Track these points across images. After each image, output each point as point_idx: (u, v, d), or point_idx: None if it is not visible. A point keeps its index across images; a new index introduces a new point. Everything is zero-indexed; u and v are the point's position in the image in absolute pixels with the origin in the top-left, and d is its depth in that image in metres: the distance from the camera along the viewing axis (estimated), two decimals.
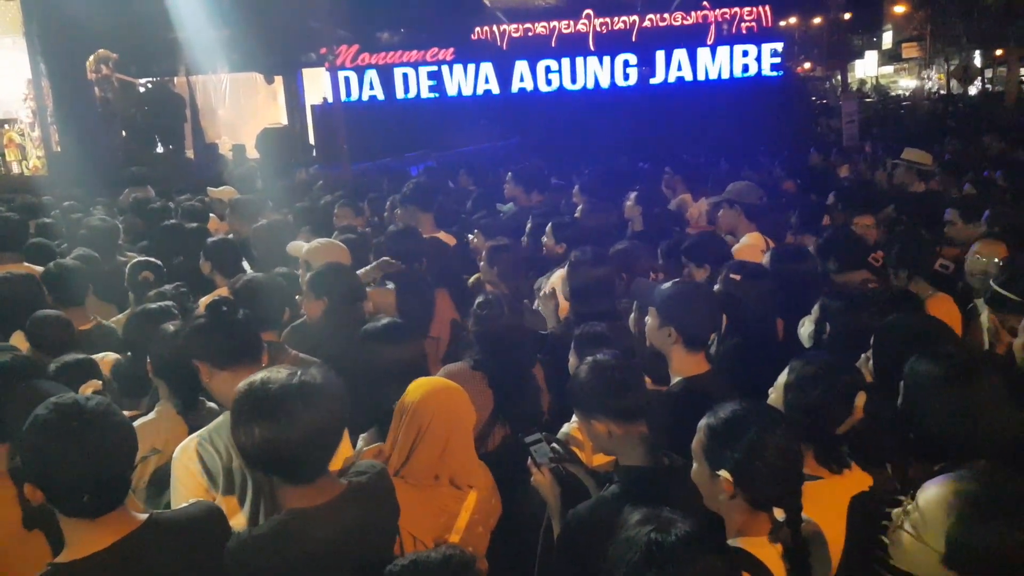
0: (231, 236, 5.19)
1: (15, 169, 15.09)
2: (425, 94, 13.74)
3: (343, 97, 13.17)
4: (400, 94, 13.77)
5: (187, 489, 2.02)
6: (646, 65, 13.13)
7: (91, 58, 13.30)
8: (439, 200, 5.21)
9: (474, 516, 2.19)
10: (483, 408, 2.56)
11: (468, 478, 2.19)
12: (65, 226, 6.18)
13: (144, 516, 1.76)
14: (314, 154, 13.26)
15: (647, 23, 13.21)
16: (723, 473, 1.66)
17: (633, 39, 13.27)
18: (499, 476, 2.41)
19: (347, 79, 13.32)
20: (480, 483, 2.24)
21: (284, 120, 14.76)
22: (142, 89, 14.16)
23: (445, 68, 13.70)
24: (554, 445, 2.22)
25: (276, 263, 4.43)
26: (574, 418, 2.53)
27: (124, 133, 13.75)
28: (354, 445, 2.50)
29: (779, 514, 1.68)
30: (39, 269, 4.57)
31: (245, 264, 4.69)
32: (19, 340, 3.66)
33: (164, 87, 13.94)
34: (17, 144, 15.34)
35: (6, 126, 15.40)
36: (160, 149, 13.64)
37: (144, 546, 1.72)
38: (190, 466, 2.03)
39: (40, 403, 1.73)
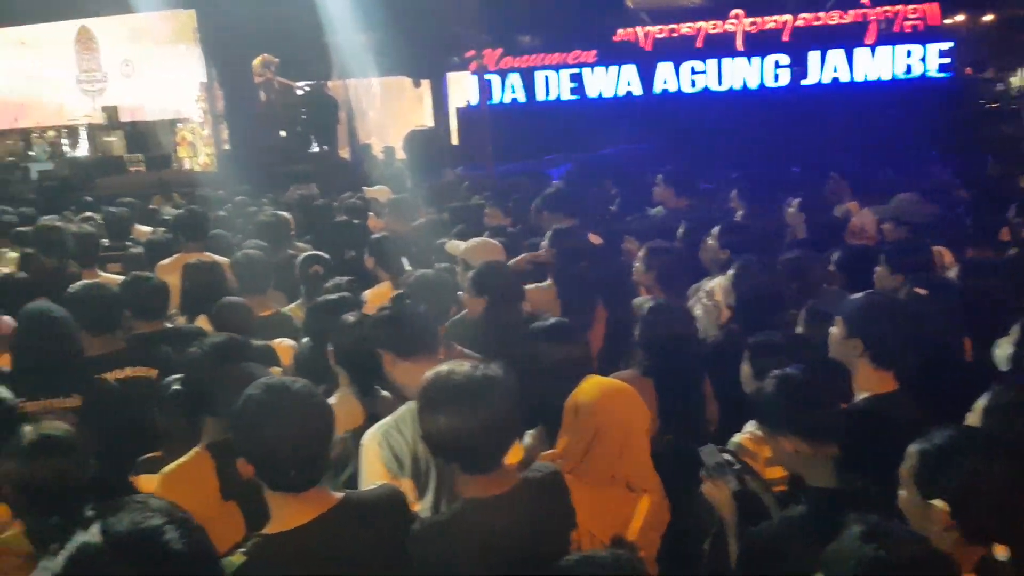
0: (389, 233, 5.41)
1: (186, 165, 16.45)
2: (566, 96, 13.80)
3: (482, 100, 13.47)
4: (541, 96, 13.90)
5: (375, 473, 2.13)
6: (798, 65, 12.60)
7: (256, 61, 14.24)
8: (584, 203, 5.21)
9: (647, 519, 2.18)
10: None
11: (644, 481, 2.18)
12: (240, 218, 6.64)
13: (340, 495, 1.87)
14: (457, 155, 13.61)
15: (800, 22, 12.66)
16: (939, 503, 1.56)
17: (785, 39, 12.76)
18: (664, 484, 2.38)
19: (489, 82, 13.58)
20: (652, 487, 2.22)
21: (429, 122, 15.24)
22: (300, 92, 15.01)
23: (587, 70, 13.70)
24: (728, 458, 2.16)
25: (434, 260, 4.59)
26: (746, 428, 2.47)
27: (283, 133, 14.62)
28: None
29: (999, 551, 1.55)
30: (220, 258, 4.96)
31: (404, 260, 4.89)
32: (203, 324, 3.98)
33: (320, 90, 14.70)
34: (189, 142, 16.71)
35: (179, 125, 16.82)
36: (315, 149, 14.40)
37: (341, 523, 1.82)
38: (379, 452, 2.14)
39: (248, 383, 1.88)
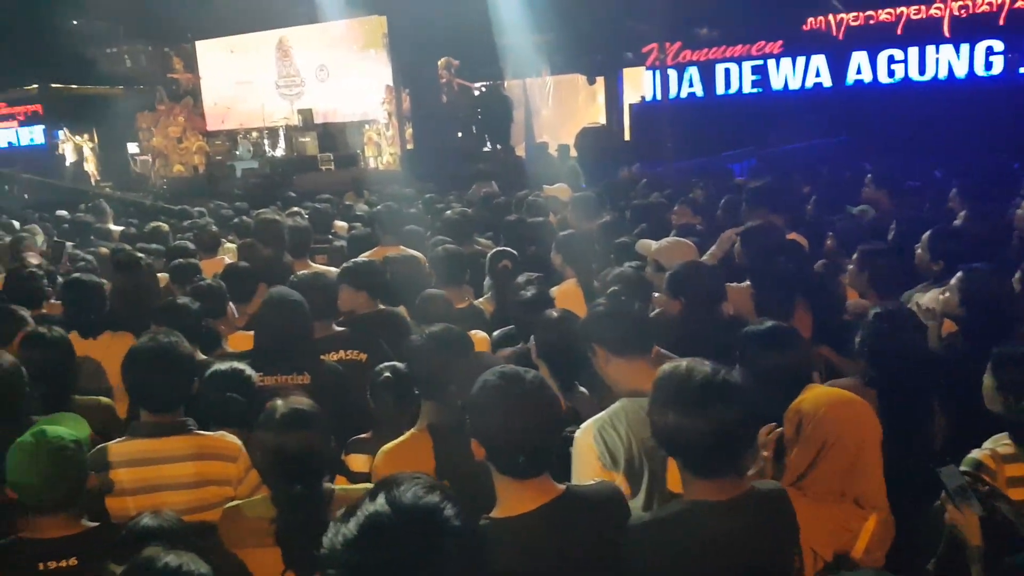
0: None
1: (371, 164, 17.48)
2: (747, 89, 13.31)
3: (661, 95, 13.26)
4: (720, 90, 13.49)
5: (588, 467, 2.15)
6: (1015, 51, 11.34)
7: (440, 62, 14.85)
8: (787, 200, 4.99)
9: (873, 539, 2.05)
10: None
11: (874, 499, 2.06)
12: (429, 215, 6.95)
13: (562, 487, 1.90)
14: (629, 152, 13.51)
15: (1020, 3, 11.39)
16: None
17: (1001, 22, 11.52)
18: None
19: (666, 76, 13.35)
20: (882, 505, 2.09)
21: (603, 119, 15.24)
22: (476, 93, 15.51)
23: (771, 62, 13.13)
24: (970, 480, 1.99)
25: (619, 258, 4.57)
26: (985, 445, 2.28)
27: (460, 134, 15.15)
28: None
29: None
30: (414, 252, 5.22)
31: None
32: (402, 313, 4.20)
33: (496, 90, 15.09)
34: (375, 142, 17.75)
35: (366, 126, 17.89)
36: (487, 148, 14.81)
37: (563, 514, 1.85)
38: (593, 446, 2.16)
39: (479, 371, 1.96)
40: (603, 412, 2.23)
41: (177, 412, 2.50)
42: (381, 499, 1.19)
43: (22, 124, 24.94)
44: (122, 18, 17.13)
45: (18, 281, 4.30)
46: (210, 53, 20.69)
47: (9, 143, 24.93)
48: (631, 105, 14.49)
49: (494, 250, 4.84)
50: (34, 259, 5.83)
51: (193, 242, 5.84)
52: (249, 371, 2.87)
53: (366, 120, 17.78)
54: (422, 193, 8.83)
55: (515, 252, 4.77)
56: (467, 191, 9.08)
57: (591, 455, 2.16)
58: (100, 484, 2.25)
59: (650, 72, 13.80)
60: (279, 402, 2.20)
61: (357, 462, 2.87)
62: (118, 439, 2.46)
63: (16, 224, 9.45)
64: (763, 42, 13.24)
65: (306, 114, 18.17)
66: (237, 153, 19.51)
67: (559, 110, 17.03)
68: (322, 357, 3.40)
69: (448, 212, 6.52)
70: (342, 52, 18.21)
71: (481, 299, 4.59)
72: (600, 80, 15.49)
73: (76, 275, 4.12)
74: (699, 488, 1.84)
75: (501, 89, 15.17)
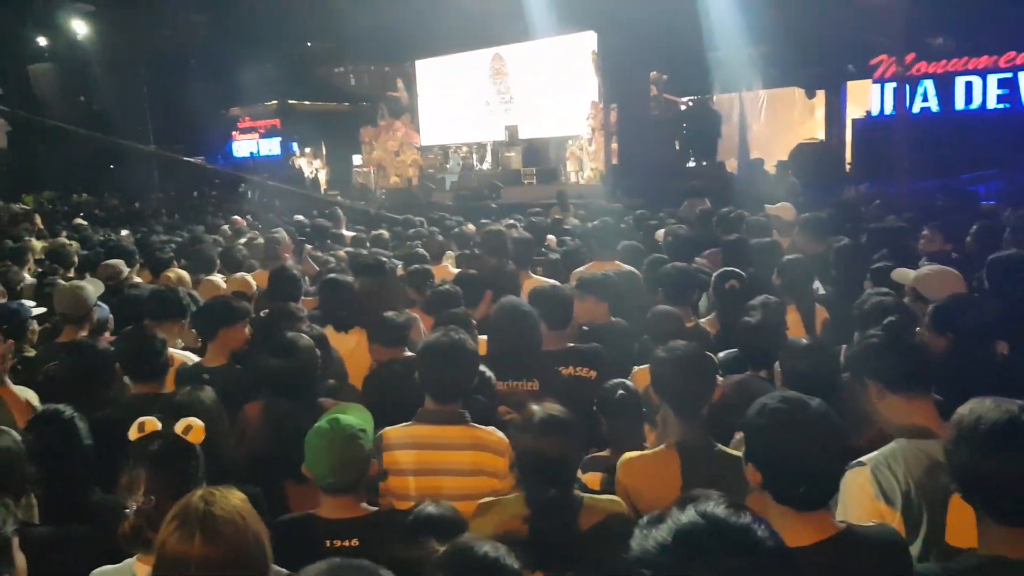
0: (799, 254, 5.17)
1: (572, 178, 17.75)
2: (992, 104, 12.03)
3: (890, 110, 12.34)
4: (960, 105, 12.30)
5: (862, 508, 2.03)
6: None
7: (651, 76, 14.78)
8: None
9: None
10: None
11: None
12: (640, 230, 6.91)
13: (842, 524, 1.81)
14: (848, 170, 12.66)
15: None
16: None
17: None
18: None
19: (902, 90, 12.40)
20: None
21: (820, 135, 14.43)
22: (683, 107, 15.26)
23: (1022, 74, 11.79)
24: None
25: (859, 285, 4.28)
26: None
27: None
28: None
29: None
30: (630, 268, 5.21)
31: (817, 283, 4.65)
32: None
33: (703, 104, 14.78)
34: (577, 157, 18.02)
35: (569, 141, 18.21)
36: (691, 163, 14.49)
37: (842, 553, 1.76)
38: (866, 486, 2.04)
39: (748, 393, 1.91)
40: (877, 452, 2.10)
41: (459, 403, 2.66)
42: (691, 511, 1.21)
43: (262, 136, 28.13)
44: (348, 40, 18.71)
45: (282, 281, 4.81)
46: (427, 71, 22.06)
47: (251, 153, 28.20)
48: (854, 120, 13.59)
49: (721, 270, 4.71)
50: (289, 258, 6.49)
51: (424, 249, 6.22)
52: (489, 373, 3.02)
53: (569, 136, 18.10)
54: (630, 208, 8.79)
55: (742, 272, 4.63)
56: (675, 207, 8.92)
57: (864, 495, 2.03)
58: (380, 470, 2.45)
59: (878, 85, 12.88)
60: (536, 407, 2.28)
61: (593, 480, 2.87)
62: (403, 424, 2.66)
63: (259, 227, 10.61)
64: (1013, 52, 11.93)
65: (512, 130, 18.84)
66: (448, 167, 20.63)
67: (772, 125, 16.34)
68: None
69: (663, 230, 6.44)
70: (550, 68, 18.69)
71: (704, 319, 4.49)
72: (819, 94, 14.67)
73: (332, 275, 4.52)
74: (999, 538, 1.68)
75: (709, 103, 14.82)
